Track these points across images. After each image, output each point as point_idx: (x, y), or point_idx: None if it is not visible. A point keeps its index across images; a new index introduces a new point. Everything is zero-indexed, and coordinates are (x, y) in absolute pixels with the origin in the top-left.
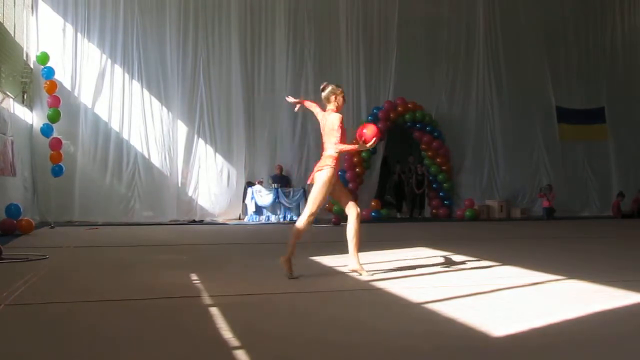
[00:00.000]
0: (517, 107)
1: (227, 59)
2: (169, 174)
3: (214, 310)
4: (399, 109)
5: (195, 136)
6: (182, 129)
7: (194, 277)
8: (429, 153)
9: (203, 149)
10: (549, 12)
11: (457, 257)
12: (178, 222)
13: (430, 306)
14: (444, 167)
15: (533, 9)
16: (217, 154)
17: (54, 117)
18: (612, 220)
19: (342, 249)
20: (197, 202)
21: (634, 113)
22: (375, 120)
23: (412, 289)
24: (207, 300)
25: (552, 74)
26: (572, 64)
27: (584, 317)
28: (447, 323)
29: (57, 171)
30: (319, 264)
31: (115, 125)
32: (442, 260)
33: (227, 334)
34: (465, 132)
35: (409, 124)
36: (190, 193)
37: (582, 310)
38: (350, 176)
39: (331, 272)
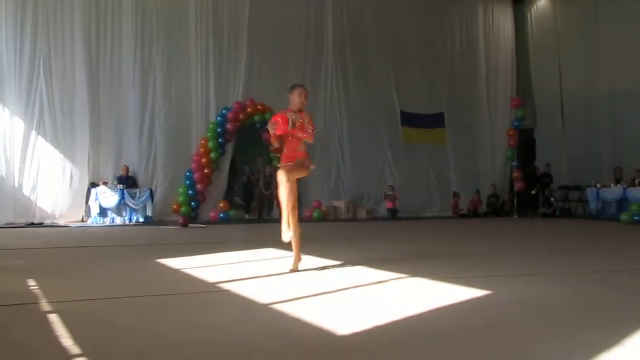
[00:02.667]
0: (363, 109)
1: (70, 55)
2: (4, 174)
3: (54, 317)
4: (249, 110)
5: (34, 133)
6: (19, 126)
7: (31, 282)
8: (278, 154)
9: (43, 148)
10: (394, 19)
11: (304, 258)
12: (14, 225)
13: (276, 307)
14: None
15: (378, 16)
16: (58, 152)
17: None
18: (451, 220)
19: (190, 250)
20: (36, 203)
21: (469, 119)
22: (224, 122)
23: (259, 290)
24: (45, 306)
25: (397, 78)
26: (415, 70)
27: (425, 314)
28: (293, 323)
29: None
30: (165, 267)
31: None
32: (289, 261)
33: (67, 341)
34: None
35: (258, 125)
36: (28, 194)
37: (423, 307)
38: (198, 177)
39: (178, 274)
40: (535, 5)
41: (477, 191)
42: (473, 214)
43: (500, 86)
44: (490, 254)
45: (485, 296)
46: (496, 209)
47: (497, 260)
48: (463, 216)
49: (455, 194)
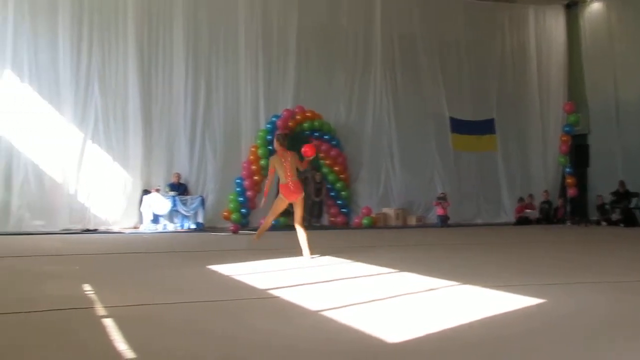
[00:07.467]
0: (412, 117)
1: (123, 66)
2: (61, 182)
3: (108, 322)
4: (298, 117)
5: (90, 142)
6: (74, 135)
7: (86, 287)
8: (327, 161)
9: (97, 156)
10: (443, 26)
11: (354, 265)
12: (70, 232)
13: (327, 314)
14: (341, 176)
15: (428, 23)
16: (112, 161)
17: None
18: (502, 227)
19: (241, 257)
20: (90, 210)
21: (520, 124)
22: (273, 129)
23: (309, 297)
24: (100, 311)
25: (446, 85)
26: (464, 77)
27: (477, 321)
28: (344, 330)
29: None
30: (216, 273)
31: (3, 132)
32: (339, 267)
33: (121, 345)
34: (362, 141)
35: (307, 132)
36: (83, 201)
37: (475, 315)
38: (248, 184)
39: (228, 280)
40: (588, 9)
41: (531, 195)
42: (525, 221)
43: (552, 91)
44: (541, 262)
45: (538, 305)
46: (549, 216)
47: (548, 268)
48: (508, 224)
49: (521, 199)
